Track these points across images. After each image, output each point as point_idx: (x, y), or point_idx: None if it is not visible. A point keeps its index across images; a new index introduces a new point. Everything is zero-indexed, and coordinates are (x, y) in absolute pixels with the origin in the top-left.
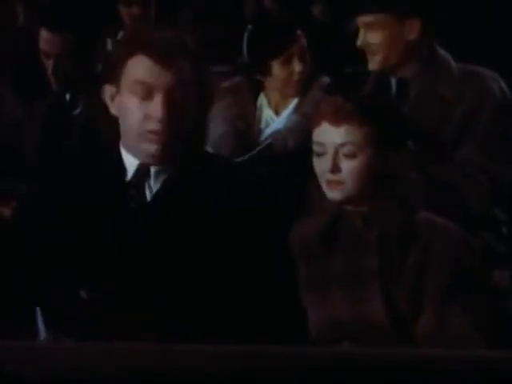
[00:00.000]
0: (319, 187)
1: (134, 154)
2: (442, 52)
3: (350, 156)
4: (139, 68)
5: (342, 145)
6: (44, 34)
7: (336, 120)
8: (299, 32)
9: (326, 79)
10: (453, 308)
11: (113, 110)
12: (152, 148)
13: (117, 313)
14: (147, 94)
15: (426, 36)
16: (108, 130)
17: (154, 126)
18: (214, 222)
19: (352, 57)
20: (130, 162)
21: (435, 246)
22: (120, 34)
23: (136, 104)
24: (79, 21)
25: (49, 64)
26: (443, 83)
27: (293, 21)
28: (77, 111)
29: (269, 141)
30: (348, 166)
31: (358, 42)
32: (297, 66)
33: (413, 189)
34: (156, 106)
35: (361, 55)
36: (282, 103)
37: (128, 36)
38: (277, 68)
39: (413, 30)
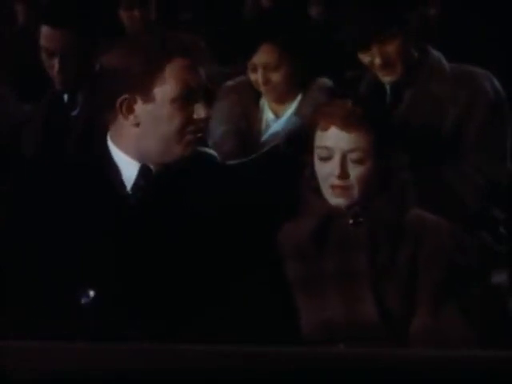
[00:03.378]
0: (316, 190)
1: (147, 158)
2: (434, 52)
3: (358, 162)
4: (183, 72)
5: (351, 151)
6: (45, 31)
7: (347, 125)
8: (268, 44)
9: (324, 80)
10: (447, 307)
11: (132, 120)
12: (187, 150)
13: (115, 313)
14: (190, 97)
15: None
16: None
17: (195, 127)
18: (210, 221)
19: (349, 58)
20: (125, 162)
21: (426, 242)
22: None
23: (176, 109)
24: (82, 15)
25: (53, 63)
26: (436, 83)
27: (258, 31)
28: (75, 112)
29: (275, 143)
30: (356, 172)
31: (377, 61)
32: (259, 78)
33: (404, 188)
34: (199, 109)
35: (359, 60)
36: (281, 106)
37: (158, 42)
38: (249, 71)
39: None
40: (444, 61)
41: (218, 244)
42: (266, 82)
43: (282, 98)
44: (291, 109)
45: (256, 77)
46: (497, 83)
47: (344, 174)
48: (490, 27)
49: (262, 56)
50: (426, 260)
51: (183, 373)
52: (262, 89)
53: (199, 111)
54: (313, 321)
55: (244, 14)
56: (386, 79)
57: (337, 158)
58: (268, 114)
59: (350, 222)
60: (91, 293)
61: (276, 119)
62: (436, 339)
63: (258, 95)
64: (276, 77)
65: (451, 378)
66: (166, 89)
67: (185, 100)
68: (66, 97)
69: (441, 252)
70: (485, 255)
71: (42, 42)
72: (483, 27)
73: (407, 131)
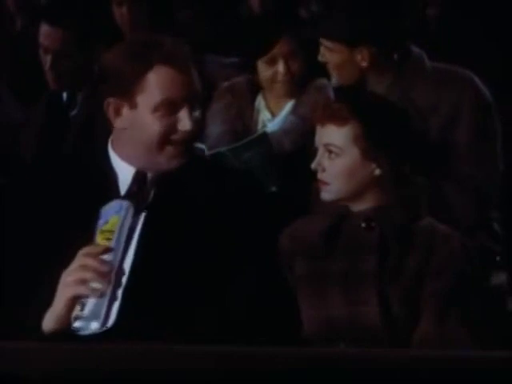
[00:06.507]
0: None
1: (136, 163)
2: (416, 51)
3: (334, 156)
4: (164, 81)
5: (327, 144)
6: (44, 28)
7: (322, 119)
8: (286, 36)
9: (322, 81)
10: (451, 316)
11: (119, 123)
12: (173, 161)
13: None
14: (173, 107)
15: (378, 63)
16: (105, 133)
17: (179, 138)
18: (210, 223)
19: None
20: (121, 167)
21: (437, 253)
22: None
23: (157, 119)
24: (79, 16)
25: (46, 60)
26: (418, 91)
27: (278, 23)
28: (74, 112)
29: (264, 130)
30: (332, 166)
31: (319, 58)
32: (280, 67)
33: (417, 192)
34: (183, 120)
35: None
36: (278, 105)
37: (141, 48)
38: (262, 67)
39: (364, 58)
40: (426, 60)
41: (217, 245)
42: (288, 71)
43: (295, 92)
44: (287, 108)
45: (272, 71)
46: (480, 84)
47: (320, 168)
48: (486, 28)
49: (284, 46)
50: (436, 269)
51: (183, 373)
52: (281, 81)
53: (184, 122)
54: (316, 318)
55: (245, 11)
56: (332, 81)
57: (318, 153)
58: (264, 114)
59: (363, 225)
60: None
61: (272, 119)
62: (439, 347)
63: (253, 96)
64: (295, 66)
65: (451, 378)
66: (147, 97)
67: (167, 109)
68: (64, 97)
69: (451, 262)
70: (484, 255)
71: (41, 38)
72: (480, 28)
73: (398, 128)
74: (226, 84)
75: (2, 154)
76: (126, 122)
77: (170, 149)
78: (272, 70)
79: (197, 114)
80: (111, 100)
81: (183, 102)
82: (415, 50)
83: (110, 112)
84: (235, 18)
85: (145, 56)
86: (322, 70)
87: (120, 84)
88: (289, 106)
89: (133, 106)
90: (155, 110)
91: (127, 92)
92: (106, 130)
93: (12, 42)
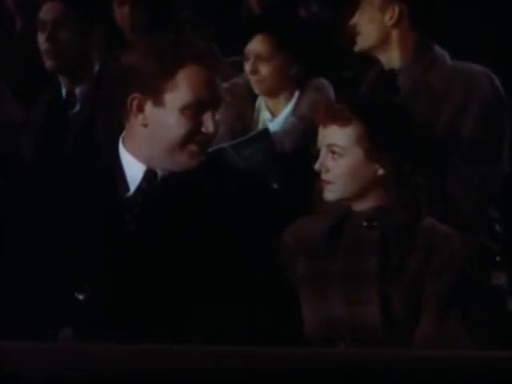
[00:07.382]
0: None
1: (149, 161)
2: (438, 49)
3: (337, 156)
4: (195, 80)
5: (330, 145)
6: (45, 7)
7: (325, 120)
8: (264, 37)
9: (321, 80)
10: (451, 316)
11: (140, 119)
12: (192, 162)
13: (115, 314)
14: (200, 108)
15: (403, 24)
16: (106, 132)
17: (201, 139)
18: (213, 221)
19: (347, 58)
20: (131, 164)
21: (438, 253)
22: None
23: (184, 118)
24: None
25: (43, 37)
26: (433, 75)
27: (256, 23)
28: (74, 111)
29: (265, 127)
30: (335, 166)
31: (351, 22)
32: (248, 67)
33: (419, 192)
34: (207, 122)
35: (356, 57)
36: (277, 105)
37: (171, 46)
38: (245, 64)
39: (392, 17)
40: (447, 58)
41: (223, 245)
42: (254, 71)
43: (271, 92)
44: (288, 108)
45: (247, 69)
46: (496, 83)
47: (323, 168)
48: (488, 27)
49: (255, 45)
50: (436, 269)
51: (183, 373)
52: (250, 79)
53: (208, 124)
54: (317, 318)
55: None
56: (355, 48)
57: (321, 154)
58: (264, 114)
59: (364, 224)
60: (88, 294)
61: (272, 119)
62: (439, 347)
63: (253, 96)
64: (265, 69)
65: (451, 378)
66: (176, 95)
67: (194, 110)
68: (64, 94)
69: (451, 262)
70: (484, 255)
71: (40, 15)
72: (487, 25)
73: (400, 128)
74: (225, 84)
75: (2, 153)
76: (149, 119)
77: (190, 148)
78: (247, 68)
79: (217, 116)
80: (136, 95)
81: (209, 104)
82: (438, 48)
83: (134, 108)
84: (235, 17)
85: (176, 54)
86: (319, 70)
87: (147, 80)
88: (289, 106)
89: (159, 103)
90: (184, 109)
91: (154, 88)
92: (108, 127)
93: (12, 41)
